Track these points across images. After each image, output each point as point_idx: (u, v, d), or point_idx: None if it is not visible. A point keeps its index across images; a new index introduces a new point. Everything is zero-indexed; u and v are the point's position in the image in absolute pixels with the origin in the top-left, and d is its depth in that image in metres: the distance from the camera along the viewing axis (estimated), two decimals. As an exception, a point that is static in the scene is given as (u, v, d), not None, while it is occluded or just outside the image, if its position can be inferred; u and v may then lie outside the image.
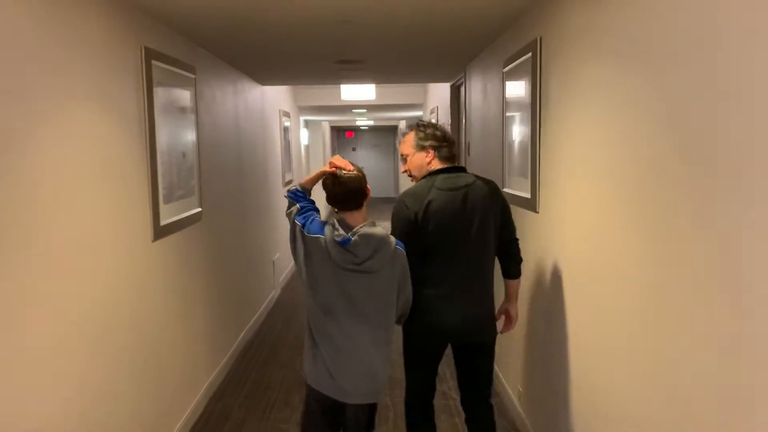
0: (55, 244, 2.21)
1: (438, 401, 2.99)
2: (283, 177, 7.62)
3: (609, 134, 2.14)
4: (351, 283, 2.26)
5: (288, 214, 2.40)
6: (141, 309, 2.96)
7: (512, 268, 2.71)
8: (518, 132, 3.37)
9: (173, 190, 3.36)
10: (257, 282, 5.83)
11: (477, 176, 2.61)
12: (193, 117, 3.76)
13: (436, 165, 2.59)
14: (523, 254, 2.77)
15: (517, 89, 3.38)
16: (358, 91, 7.77)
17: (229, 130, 4.84)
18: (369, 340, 2.30)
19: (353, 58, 4.70)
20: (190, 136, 3.71)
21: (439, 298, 2.50)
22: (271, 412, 3.80)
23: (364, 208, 2.35)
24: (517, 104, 3.38)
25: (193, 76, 3.75)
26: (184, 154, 3.57)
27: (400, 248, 2.33)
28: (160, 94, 3.16)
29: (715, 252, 1.49)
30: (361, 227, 2.26)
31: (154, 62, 3.07)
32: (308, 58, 4.68)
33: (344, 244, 2.22)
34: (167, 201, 3.25)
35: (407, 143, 2.65)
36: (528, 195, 3.13)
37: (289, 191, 2.45)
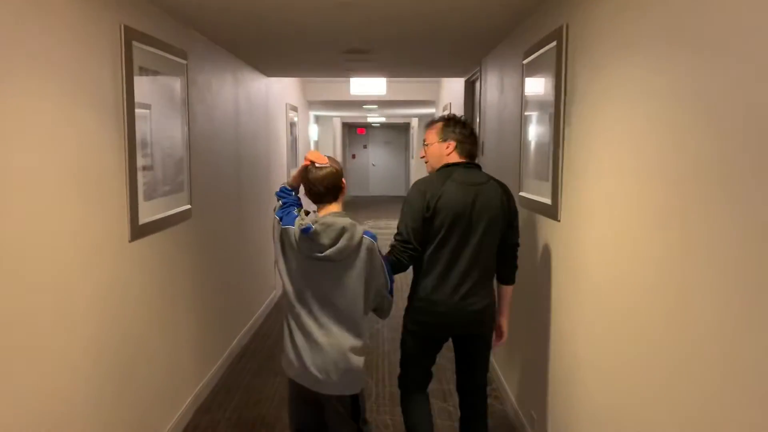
0: (9, 247, 1.91)
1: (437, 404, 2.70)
2: (288, 173, 7.32)
3: (647, 135, 1.81)
4: (318, 273, 2.28)
5: (273, 211, 2.45)
6: (117, 315, 2.67)
7: (509, 273, 2.75)
8: (538, 131, 3.04)
9: (157, 186, 3.06)
10: (256, 283, 5.54)
11: (491, 176, 2.67)
12: (183, 107, 3.46)
13: (454, 158, 2.64)
14: (541, 266, 2.53)
15: (538, 83, 3.05)
16: (368, 86, 7.46)
17: (226, 123, 4.54)
18: (338, 330, 2.30)
19: (360, 48, 4.38)
20: (178, 127, 3.41)
21: (442, 288, 2.56)
22: (261, 428, 3.51)
23: (340, 202, 2.38)
24: (538, 100, 3.05)
25: (183, 61, 3.45)
26: (170, 147, 3.27)
27: (369, 238, 2.31)
28: (142, 79, 2.86)
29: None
30: (324, 216, 2.28)
31: (135, 44, 2.77)
32: (313, 46, 4.37)
33: (306, 231, 2.24)
34: (149, 198, 2.96)
35: (433, 131, 2.71)
36: (548, 201, 2.80)
37: (278, 190, 2.49)
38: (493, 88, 4.42)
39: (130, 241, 2.78)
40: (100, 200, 2.52)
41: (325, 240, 2.23)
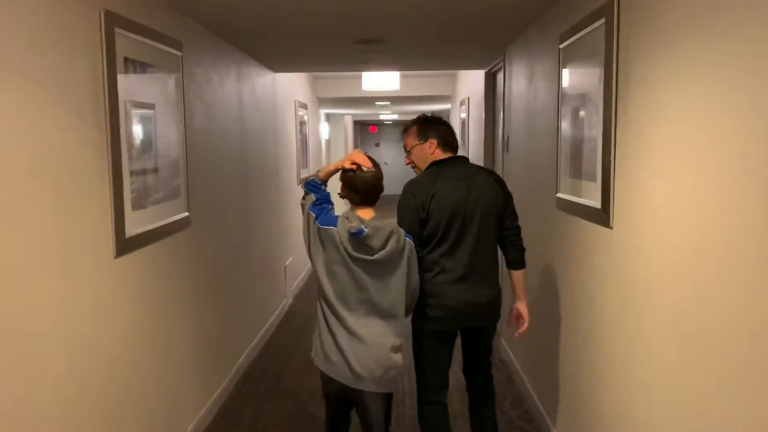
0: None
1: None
2: (299, 174, 6.96)
3: (737, 122, 1.43)
4: (363, 273, 2.32)
5: (302, 205, 2.47)
6: (102, 339, 2.32)
7: (516, 257, 2.71)
8: (580, 123, 2.66)
9: (147, 193, 2.71)
10: (264, 292, 5.18)
11: (480, 167, 2.74)
12: (178, 103, 3.11)
13: (439, 155, 2.67)
14: (585, 280, 2.30)
15: (579, 69, 2.66)
16: (380, 81, 7.07)
17: (229, 121, 4.19)
18: (382, 328, 2.35)
19: (373, 37, 4.01)
20: (173, 126, 3.06)
21: (446, 284, 2.57)
22: (270, 460, 3.15)
23: (375, 205, 2.45)
24: (580, 88, 2.67)
25: (178, 53, 3.10)
26: (164, 149, 2.92)
27: (409, 239, 2.41)
28: (128, 72, 2.51)
29: None
30: (371, 219, 2.36)
31: (119, 31, 2.42)
32: (323, 36, 4.00)
33: (358, 235, 2.27)
34: (138, 207, 2.61)
35: (411, 135, 2.73)
36: (595, 204, 2.42)
37: (305, 181, 2.50)
38: (520, 78, 4.03)
39: (115, 257, 2.43)
40: (76, 212, 2.16)
41: (376, 243, 2.29)
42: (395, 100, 10.07)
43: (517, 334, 2.80)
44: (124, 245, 2.48)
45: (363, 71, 6.22)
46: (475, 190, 2.58)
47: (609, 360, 2.33)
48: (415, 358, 2.70)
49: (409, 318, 2.57)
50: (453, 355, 2.73)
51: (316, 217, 2.36)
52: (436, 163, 2.65)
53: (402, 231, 2.37)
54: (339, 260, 2.32)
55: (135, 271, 2.62)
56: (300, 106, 7.14)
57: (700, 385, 1.64)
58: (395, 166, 21.28)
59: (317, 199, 2.42)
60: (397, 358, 2.37)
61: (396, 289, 2.35)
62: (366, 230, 2.27)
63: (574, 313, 2.77)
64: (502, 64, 4.73)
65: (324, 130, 12.29)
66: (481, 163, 5.49)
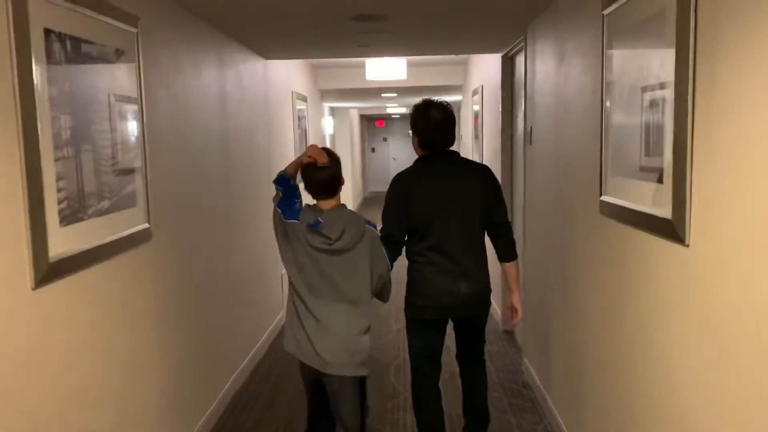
0: None
1: None
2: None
3: None
4: (327, 263, 2.42)
5: (273, 201, 2.55)
6: (24, 400, 1.76)
7: (507, 250, 2.77)
8: (636, 108, 2.06)
9: (84, 202, 2.14)
10: (256, 306, 4.62)
11: (467, 160, 2.80)
12: (131, 92, 2.54)
13: (420, 152, 2.74)
14: (645, 313, 1.86)
15: (635, 37, 2.07)
16: (385, 69, 6.48)
17: (208, 115, 3.62)
18: (347, 315, 2.44)
19: (372, 13, 3.42)
20: (126, 119, 2.49)
21: (431, 275, 2.66)
22: None
23: (338, 195, 2.50)
24: (635, 63, 2.07)
25: (133, 29, 2.53)
26: (110, 147, 2.35)
27: (371, 227, 2.50)
28: (51, 48, 1.94)
29: None
30: (331, 209, 2.45)
31: (34, -6, 1.85)
32: (315, 12, 3.42)
33: (315, 226, 2.39)
34: (71, 220, 2.04)
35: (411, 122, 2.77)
36: (662, 213, 1.82)
37: (275, 178, 2.56)
38: (546, 58, 3.44)
39: (34, 288, 1.86)
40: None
41: (333, 233, 2.39)
42: (402, 91, 9.47)
43: (512, 325, 2.95)
44: (49, 271, 1.91)
45: (365, 57, 5.62)
46: (459, 183, 2.65)
47: (686, 426, 1.74)
48: (408, 344, 2.84)
49: (372, 302, 2.57)
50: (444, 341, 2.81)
51: (282, 213, 2.47)
52: (423, 158, 2.72)
53: (362, 219, 2.48)
54: (303, 251, 2.43)
55: (66, 303, 2.05)
56: (298, 98, 6.56)
57: None
58: (405, 162, 20.77)
59: (283, 195, 2.50)
60: (364, 340, 2.48)
61: (360, 276, 2.45)
62: (322, 221, 2.39)
63: (625, 350, 2.18)
64: (522, 44, 4.13)
65: (328, 124, 11.72)
66: (498, 158, 4.91)
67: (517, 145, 4.70)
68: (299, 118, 6.62)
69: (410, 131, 2.77)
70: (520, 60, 4.50)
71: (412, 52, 5.39)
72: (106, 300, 2.31)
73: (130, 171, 2.50)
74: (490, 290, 2.77)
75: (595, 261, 2.54)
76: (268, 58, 5.10)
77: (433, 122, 2.64)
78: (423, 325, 2.74)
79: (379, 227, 2.60)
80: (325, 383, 2.49)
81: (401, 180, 2.71)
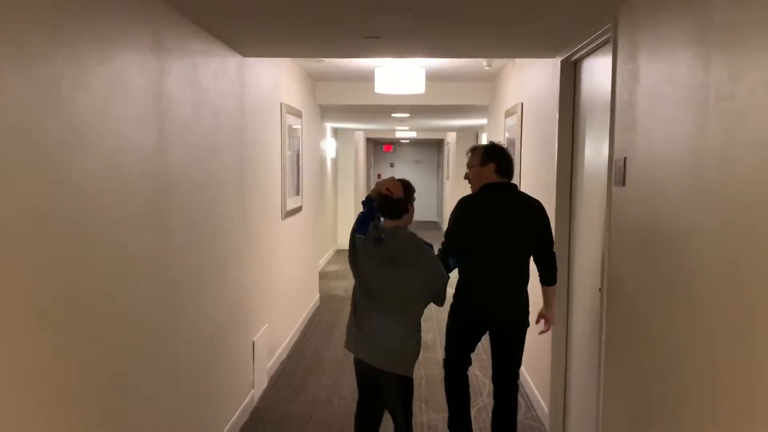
0: None
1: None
2: (284, 204, 5.09)
3: None
4: (386, 274, 2.78)
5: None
6: None
7: (548, 276, 3.17)
8: None
9: None
10: (212, 390, 3.29)
11: (526, 195, 3.24)
12: None
13: (493, 179, 3.12)
14: None
15: None
16: (399, 80, 5.21)
17: (124, 120, 2.33)
18: (395, 321, 2.77)
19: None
20: None
21: (481, 290, 3.10)
22: None
23: (404, 219, 2.83)
24: None
25: None
26: None
27: (427, 248, 2.81)
28: None
29: None
30: (391, 229, 2.81)
31: None
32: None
33: (377, 241, 2.78)
34: None
35: (476, 156, 3.19)
36: None
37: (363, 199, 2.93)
38: (666, 51, 2.14)
39: None
40: None
41: (393, 249, 2.76)
42: (416, 110, 8.23)
43: (541, 332, 3.28)
44: None
45: (373, 55, 4.29)
46: (515, 212, 3.08)
47: None
48: (446, 337, 3.29)
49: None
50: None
51: (356, 229, 2.86)
52: (488, 186, 3.11)
53: (420, 240, 2.80)
54: (368, 262, 2.81)
55: None
56: (290, 113, 5.28)
57: None
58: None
59: (361, 215, 2.88)
60: (413, 344, 2.82)
61: (413, 287, 2.77)
62: (384, 238, 2.77)
63: None
64: (595, 42, 2.87)
65: (330, 146, 10.48)
66: (552, 198, 3.60)
67: (581, 181, 3.41)
68: (291, 137, 5.35)
69: (479, 163, 3.16)
70: (591, 64, 3.23)
71: (435, 50, 4.06)
72: None
73: None
74: (527, 312, 3.15)
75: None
76: (245, 54, 3.82)
77: (508, 157, 3.18)
78: (462, 329, 3.21)
79: (437, 247, 2.96)
80: (375, 380, 2.82)
81: (467, 201, 3.16)
